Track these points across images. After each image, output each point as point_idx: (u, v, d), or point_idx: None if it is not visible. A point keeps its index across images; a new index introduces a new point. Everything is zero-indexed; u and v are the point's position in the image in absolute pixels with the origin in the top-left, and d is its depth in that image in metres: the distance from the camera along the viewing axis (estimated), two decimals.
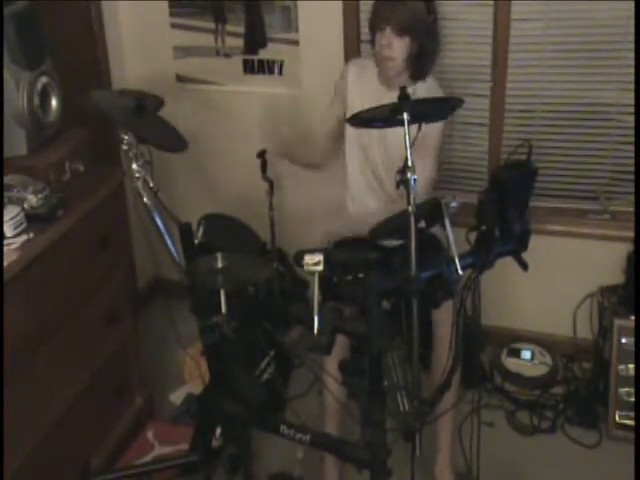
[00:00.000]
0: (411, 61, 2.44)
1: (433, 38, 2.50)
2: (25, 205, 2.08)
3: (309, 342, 1.77)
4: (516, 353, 2.99)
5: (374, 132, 2.50)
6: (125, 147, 2.03)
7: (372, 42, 2.51)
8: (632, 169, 2.73)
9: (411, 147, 1.79)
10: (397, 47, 2.39)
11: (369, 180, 2.61)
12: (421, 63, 2.47)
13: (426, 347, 2.43)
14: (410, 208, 1.78)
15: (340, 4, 2.83)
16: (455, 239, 1.83)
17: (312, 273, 1.74)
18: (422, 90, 2.48)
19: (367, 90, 2.53)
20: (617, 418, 2.66)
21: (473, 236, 1.92)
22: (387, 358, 1.94)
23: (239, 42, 3.05)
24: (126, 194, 2.77)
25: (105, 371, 2.46)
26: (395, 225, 2.03)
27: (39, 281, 2.08)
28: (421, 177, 2.59)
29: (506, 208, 1.88)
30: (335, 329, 1.81)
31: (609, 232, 2.85)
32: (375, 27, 2.43)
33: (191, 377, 2.95)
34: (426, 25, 2.43)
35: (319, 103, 2.68)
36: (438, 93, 2.55)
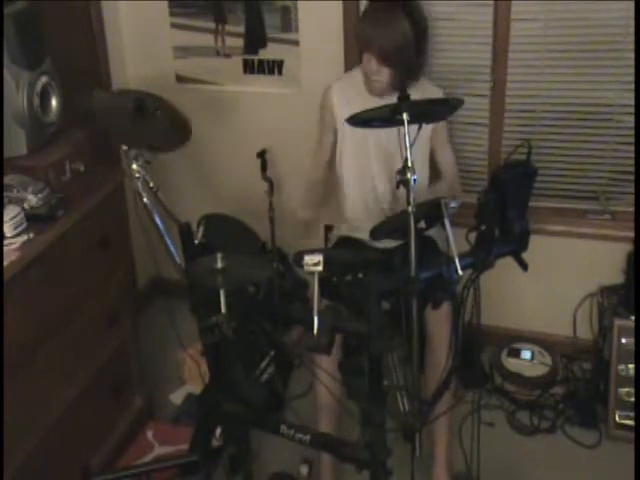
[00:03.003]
0: (398, 79, 2.40)
1: (422, 53, 2.48)
2: (25, 205, 2.08)
3: (309, 342, 1.77)
4: (516, 353, 2.99)
5: (371, 144, 2.50)
6: (125, 147, 2.03)
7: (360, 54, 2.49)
8: (632, 169, 2.73)
9: (411, 147, 1.79)
10: (383, 73, 2.38)
11: (366, 193, 2.60)
12: (408, 76, 2.43)
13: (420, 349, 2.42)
14: (410, 208, 1.78)
15: (340, 4, 2.83)
16: (455, 239, 1.82)
17: (312, 273, 1.74)
18: (418, 92, 2.47)
19: (357, 102, 2.50)
20: (617, 418, 2.66)
21: (473, 236, 1.92)
22: (387, 358, 1.94)
23: (239, 42, 3.04)
24: (126, 194, 2.77)
25: (105, 371, 2.46)
26: (395, 225, 2.03)
27: (39, 281, 2.08)
28: (451, 165, 2.66)
29: (506, 208, 1.89)
30: (335, 329, 1.82)
31: (609, 232, 2.84)
32: (361, 47, 2.42)
33: (191, 377, 2.95)
34: (409, 50, 2.37)
35: (319, 103, 2.67)
36: (433, 92, 2.55)
